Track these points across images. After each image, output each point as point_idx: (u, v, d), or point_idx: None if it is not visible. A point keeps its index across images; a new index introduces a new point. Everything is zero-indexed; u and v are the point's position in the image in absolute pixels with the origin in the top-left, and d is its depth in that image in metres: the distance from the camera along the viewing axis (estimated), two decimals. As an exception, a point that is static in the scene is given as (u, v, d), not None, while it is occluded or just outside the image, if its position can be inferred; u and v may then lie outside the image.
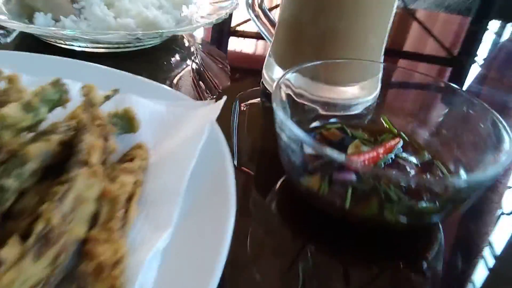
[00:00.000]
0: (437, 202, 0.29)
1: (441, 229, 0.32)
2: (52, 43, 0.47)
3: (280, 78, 0.34)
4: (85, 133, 0.28)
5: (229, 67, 0.54)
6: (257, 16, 0.47)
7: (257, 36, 0.59)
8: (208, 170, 0.30)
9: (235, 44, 0.65)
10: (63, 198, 0.24)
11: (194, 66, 0.53)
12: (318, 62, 0.37)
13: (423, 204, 0.30)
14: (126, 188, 0.27)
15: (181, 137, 0.32)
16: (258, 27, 0.48)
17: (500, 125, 0.31)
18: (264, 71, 0.47)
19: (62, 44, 0.47)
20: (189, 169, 0.29)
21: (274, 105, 0.31)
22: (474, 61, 0.66)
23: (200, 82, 0.50)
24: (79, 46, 0.46)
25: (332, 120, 0.39)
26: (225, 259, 0.24)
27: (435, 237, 0.31)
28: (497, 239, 0.30)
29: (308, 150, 0.32)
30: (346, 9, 0.39)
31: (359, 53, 0.41)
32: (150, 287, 0.23)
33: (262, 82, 0.48)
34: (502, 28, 0.80)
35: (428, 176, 0.33)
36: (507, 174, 0.36)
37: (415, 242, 0.31)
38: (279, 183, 0.35)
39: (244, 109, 0.45)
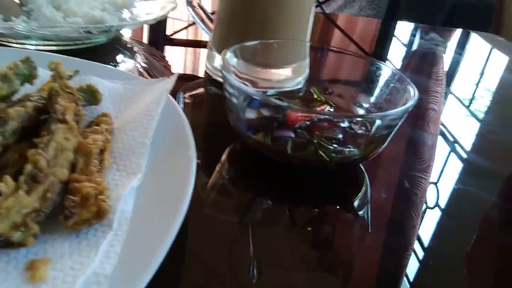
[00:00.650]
0: (359, 143, 0.36)
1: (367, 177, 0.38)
2: (3, 42, 0.49)
3: (227, 51, 0.39)
4: (58, 97, 0.31)
5: (170, 66, 0.59)
6: (196, 13, 0.53)
7: (189, 44, 0.65)
8: (168, 132, 0.34)
9: (170, 50, 0.70)
10: (45, 147, 0.28)
11: (139, 64, 0.57)
12: (252, 43, 0.43)
13: (349, 147, 0.36)
14: (98, 143, 0.31)
15: (141, 105, 0.36)
16: (198, 22, 0.54)
17: (405, 81, 0.38)
18: (206, 63, 0.53)
19: (14, 43, 0.49)
20: (152, 127, 0.33)
21: (224, 72, 0.36)
22: (387, 59, 0.75)
23: (147, 78, 0.54)
24: (31, 45, 0.49)
25: (270, 92, 0.45)
26: (189, 198, 0.27)
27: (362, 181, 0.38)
28: (424, 232, 0.33)
29: (251, 114, 0.38)
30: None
31: (288, 37, 0.47)
32: (129, 215, 0.27)
33: (206, 72, 0.53)
34: (411, 28, 0.91)
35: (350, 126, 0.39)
36: (429, 171, 0.41)
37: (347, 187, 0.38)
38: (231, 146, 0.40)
39: (189, 99, 0.50)
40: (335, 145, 0.36)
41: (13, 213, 0.24)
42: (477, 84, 0.63)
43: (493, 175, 0.41)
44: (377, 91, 0.41)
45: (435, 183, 0.37)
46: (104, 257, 0.23)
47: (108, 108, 0.37)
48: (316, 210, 0.35)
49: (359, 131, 0.38)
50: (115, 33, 0.56)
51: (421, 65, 0.68)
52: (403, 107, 0.34)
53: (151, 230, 0.26)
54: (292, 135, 0.37)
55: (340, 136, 0.38)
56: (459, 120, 0.50)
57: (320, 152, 0.35)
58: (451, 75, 0.65)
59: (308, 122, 0.38)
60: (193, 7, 0.53)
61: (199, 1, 0.53)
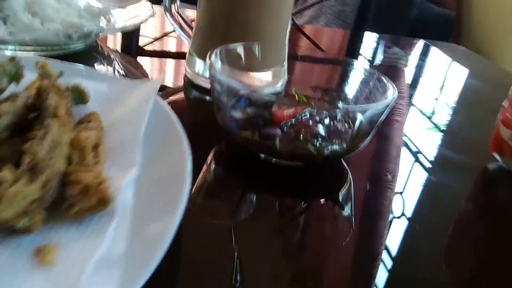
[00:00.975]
0: (343, 138, 0.37)
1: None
2: (-20, 50, 0.48)
3: (211, 53, 0.40)
4: (48, 94, 0.31)
5: (148, 74, 0.60)
6: (175, 19, 0.54)
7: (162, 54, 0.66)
8: (159, 128, 0.35)
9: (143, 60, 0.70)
10: (41, 140, 0.27)
11: (117, 71, 0.57)
12: (235, 45, 0.44)
13: (333, 144, 0.38)
14: (91, 138, 0.31)
15: (128, 104, 0.37)
16: (176, 29, 0.54)
17: (384, 79, 0.40)
18: (186, 67, 0.53)
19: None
20: (143, 124, 0.33)
21: (212, 72, 0.37)
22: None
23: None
24: (8, 50, 0.48)
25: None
26: (189, 187, 0.28)
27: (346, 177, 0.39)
28: (391, 241, 0.33)
29: (238, 113, 0.39)
30: (251, 2, 0.47)
31: (267, 41, 0.49)
32: (130, 205, 0.27)
33: (186, 76, 0.53)
34: (375, 40, 0.95)
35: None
36: (394, 180, 0.42)
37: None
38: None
39: (170, 104, 0.50)
40: (320, 141, 0.38)
41: (17, 201, 0.23)
42: (439, 95, 0.66)
43: (456, 182, 0.43)
44: (357, 91, 0.43)
45: (401, 193, 0.38)
46: (111, 242, 0.23)
47: (95, 108, 0.37)
48: (299, 204, 0.36)
49: (343, 128, 0.39)
50: (93, 39, 0.56)
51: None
52: (384, 101, 0.36)
53: (154, 217, 0.26)
54: (279, 132, 0.38)
55: (325, 132, 0.39)
56: (422, 131, 0.52)
57: (310, 145, 0.36)
58: (413, 86, 0.68)
59: (293, 120, 0.39)
60: (171, 14, 0.53)
61: (177, 8, 0.54)
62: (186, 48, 0.55)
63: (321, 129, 0.39)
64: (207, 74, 0.51)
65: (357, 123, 0.38)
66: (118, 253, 0.23)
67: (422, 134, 0.52)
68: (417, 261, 0.32)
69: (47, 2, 0.54)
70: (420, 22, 1.48)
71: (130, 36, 0.69)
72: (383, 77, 0.40)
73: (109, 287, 0.21)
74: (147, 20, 0.57)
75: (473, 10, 1.71)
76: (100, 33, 0.54)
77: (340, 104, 0.44)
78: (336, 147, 0.38)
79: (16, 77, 0.33)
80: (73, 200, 0.26)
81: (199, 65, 0.51)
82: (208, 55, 0.39)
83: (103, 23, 0.59)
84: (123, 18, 0.58)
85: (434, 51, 0.89)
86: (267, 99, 0.37)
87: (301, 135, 0.37)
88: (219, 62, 0.42)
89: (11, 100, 0.31)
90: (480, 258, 0.34)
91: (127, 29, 0.56)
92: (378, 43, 0.93)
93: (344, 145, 0.37)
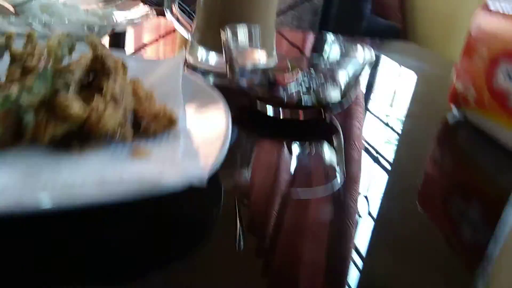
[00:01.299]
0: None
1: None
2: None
3: (226, 31, 0.49)
4: (105, 58, 0.39)
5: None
6: (173, 14, 0.62)
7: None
8: (198, 90, 0.42)
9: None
10: (114, 83, 0.35)
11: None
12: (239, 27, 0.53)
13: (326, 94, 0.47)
14: (144, 89, 0.39)
15: (161, 72, 0.44)
16: (177, 25, 0.63)
17: (363, 45, 0.50)
18: (188, 57, 0.62)
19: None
20: (179, 81, 0.41)
21: (227, 45, 0.46)
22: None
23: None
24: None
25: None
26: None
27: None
28: (359, 240, 0.31)
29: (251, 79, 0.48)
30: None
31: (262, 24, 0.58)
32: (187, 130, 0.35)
33: (187, 65, 0.62)
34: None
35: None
36: (357, 181, 0.41)
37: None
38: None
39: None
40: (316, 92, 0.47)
41: (113, 119, 0.31)
42: (392, 99, 0.67)
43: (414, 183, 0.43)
44: (338, 59, 0.53)
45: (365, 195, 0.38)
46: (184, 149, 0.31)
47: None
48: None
49: (332, 84, 0.49)
50: (102, 36, 0.64)
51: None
52: (365, 57, 0.46)
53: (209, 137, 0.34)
54: (284, 89, 0.47)
55: (319, 86, 0.48)
56: (378, 134, 0.52)
57: (309, 96, 0.45)
58: (368, 92, 0.69)
59: (294, 80, 0.48)
60: (172, 13, 0.62)
61: (176, 7, 0.62)
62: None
63: (315, 85, 0.48)
64: (208, 60, 0.59)
65: (345, 78, 0.47)
66: (195, 152, 0.31)
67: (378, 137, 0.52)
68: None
69: (58, 6, 0.62)
70: (369, 34, 1.63)
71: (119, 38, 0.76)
72: (362, 44, 0.50)
73: (195, 162, 0.28)
74: (146, 19, 0.65)
75: (417, 22, 1.88)
76: (111, 29, 0.62)
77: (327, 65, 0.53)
78: (329, 97, 0.47)
79: (72, 48, 0.41)
80: (149, 124, 0.33)
81: (201, 53, 0.60)
82: (222, 33, 0.48)
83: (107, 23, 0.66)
84: (124, 19, 0.66)
85: (384, 58, 0.99)
86: (270, 68, 0.46)
87: (301, 90, 0.46)
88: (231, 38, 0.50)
89: (76, 62, 0.38)
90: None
91: (137, 22, 0.64)
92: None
93: (339, 94, 0.47)
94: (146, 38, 0.80)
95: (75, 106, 0.30)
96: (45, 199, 0.23)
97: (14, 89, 0.29)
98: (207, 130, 0.35)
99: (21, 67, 0.34)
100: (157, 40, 0.79)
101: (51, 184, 0.26)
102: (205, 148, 0.31)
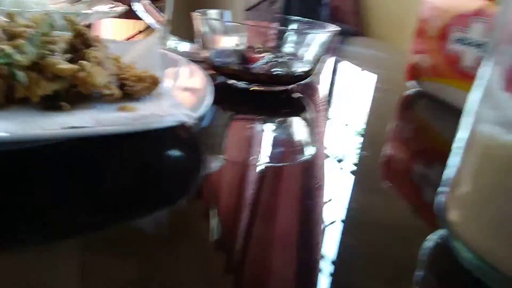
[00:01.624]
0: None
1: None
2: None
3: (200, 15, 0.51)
4: (87, 34, 0.41)
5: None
6: (143, 5, 0.64)
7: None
8: (174, 61, 0.45)
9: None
10: (97, 51, 0.37)
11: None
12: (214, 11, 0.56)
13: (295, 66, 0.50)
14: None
15: (138, 48, 0.47)
16: (147, 17, 0.65)
17: (323, 23, 0.53)
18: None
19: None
20: (158, 52, 0.44)
21: (203, 27, 0.48)
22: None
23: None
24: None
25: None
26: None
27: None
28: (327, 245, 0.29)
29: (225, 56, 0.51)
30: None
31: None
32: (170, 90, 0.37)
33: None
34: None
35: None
36: (321, 188, 0.39)
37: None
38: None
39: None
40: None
41: (101, 76, 0.33)
42: (352, 101, 0.64)
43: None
44: (301, 38, 0.56)
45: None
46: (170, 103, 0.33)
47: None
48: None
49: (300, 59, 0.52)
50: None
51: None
52: (329, 29, 0.49)
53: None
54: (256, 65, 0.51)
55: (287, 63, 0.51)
56: (341, 138, 0.49)
57: (281, 69, 0.49)
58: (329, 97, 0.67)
59: (265, 58, 0.51)
60: (142, 4, 0.64)
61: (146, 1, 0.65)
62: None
63: (283, 60, 0.51)
64: (179, 48, 0.62)
65: (311, 51, 0.51)
66: (180, 104, 0.33)
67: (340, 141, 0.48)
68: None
69: (29, 2, 0.63)
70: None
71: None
72: (321, 23, 0.54)
73: (182, 110, 0.31)
74: (119, 13, 0.67)
75: (371, 23, 1.98)
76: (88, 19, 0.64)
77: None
78: (296, 69, 0.50)
79: (52, 25, 0.42)
80: (133, 85, 0.35)
81: (172, 43, 0.62)
82: (194, 18, 0.51)
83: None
84: (93, 13, 0.68)
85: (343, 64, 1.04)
86: (242, 49, 0.49)
87: (270, 64, 0.50)
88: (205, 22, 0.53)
89: (59, 37, 0.40)
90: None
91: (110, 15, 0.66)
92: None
93: (306, 67, 0.50)
94: (116, 34, 0.82)
95: (64, 64, 0.32)
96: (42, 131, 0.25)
97: (7, 47, 0.31)
98: (189, 88, 0.37)
99: (8, 34, 0.35)
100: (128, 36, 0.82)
101: (48, 126, 0.28)
102: (189, 99, 0.34)
